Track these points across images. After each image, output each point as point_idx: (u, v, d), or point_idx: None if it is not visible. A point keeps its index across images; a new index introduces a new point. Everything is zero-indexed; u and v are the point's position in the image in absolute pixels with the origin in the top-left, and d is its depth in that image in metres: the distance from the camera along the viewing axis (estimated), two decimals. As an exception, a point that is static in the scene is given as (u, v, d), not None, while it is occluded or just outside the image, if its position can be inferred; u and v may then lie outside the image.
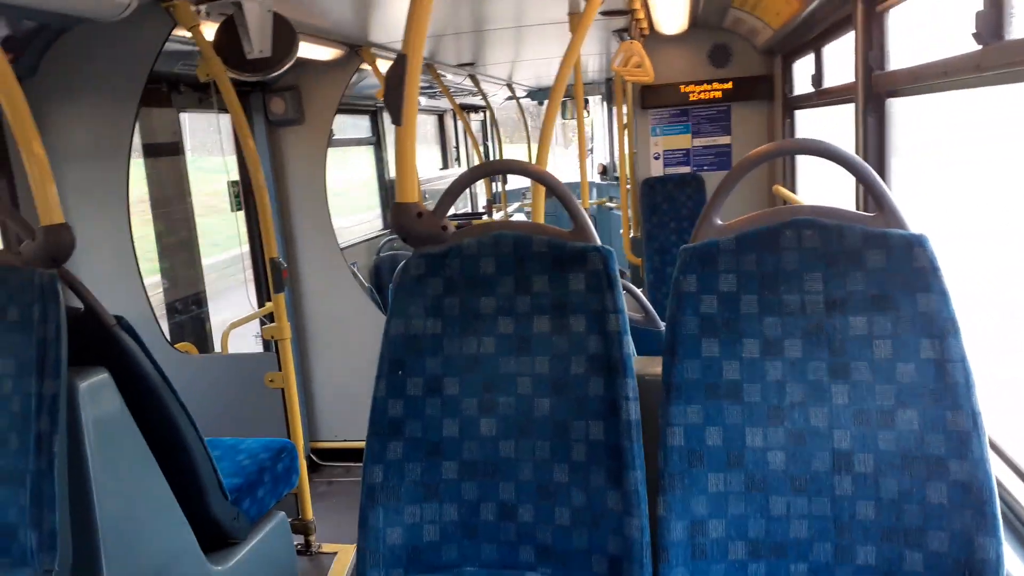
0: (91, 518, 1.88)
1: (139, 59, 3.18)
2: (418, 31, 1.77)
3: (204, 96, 4.16)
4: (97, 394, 1.94)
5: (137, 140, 3.85)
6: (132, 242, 3.29)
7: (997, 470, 1.73)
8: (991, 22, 1.80)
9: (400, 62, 1.78)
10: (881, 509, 1.53)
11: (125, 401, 2.01)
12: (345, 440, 4.42)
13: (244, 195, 4.29)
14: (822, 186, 4.67)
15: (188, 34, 2.86)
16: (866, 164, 1.64)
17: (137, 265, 3.32)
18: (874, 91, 2.68)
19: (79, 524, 1.86)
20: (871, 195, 1.63)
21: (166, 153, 4.04)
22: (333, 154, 7.76)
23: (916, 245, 1.56)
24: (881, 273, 1.56)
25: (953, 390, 1.49)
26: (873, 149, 2.65)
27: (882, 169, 2.63)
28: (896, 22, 2.75)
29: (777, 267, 1.62)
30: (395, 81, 1.78)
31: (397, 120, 1.77)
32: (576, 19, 2.75)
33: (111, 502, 1.92)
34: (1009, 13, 1.79)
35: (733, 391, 1.60)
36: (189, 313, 4.14)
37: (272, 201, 4.29)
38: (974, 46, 1.88)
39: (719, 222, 1.72)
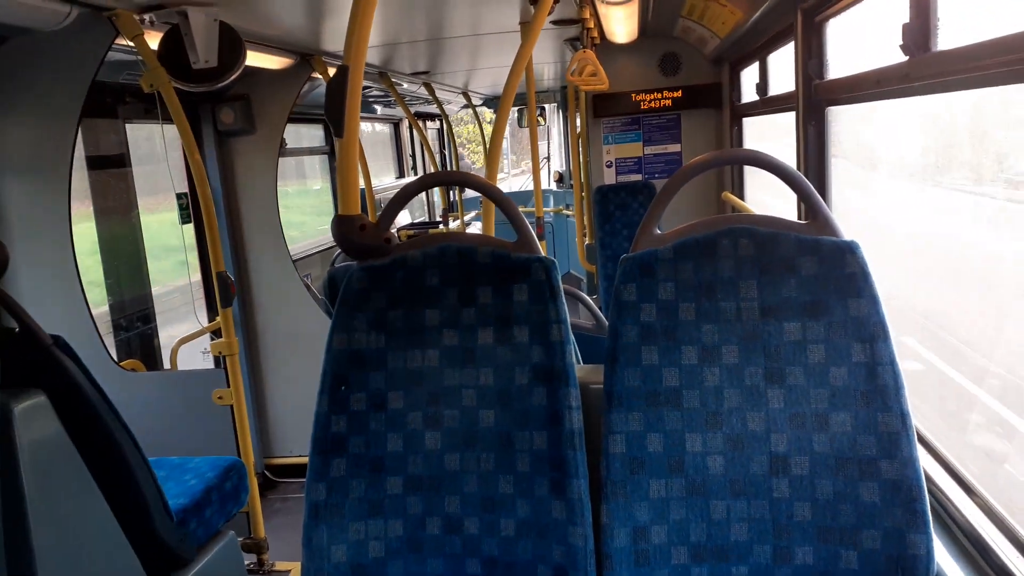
0: (27, 545, 1.82)
1: (80, 69, 3.11)
2: (360, 42, 1.76)
3: (151, 106, 4.09)
4: (33, 417, 1.89)
5: (81, 152, 3.78)
6: (74, 258, 3.21)
7: (929, 466, 1.78)
8: (917, 34, 1.86)
9: (341, 73, 1.77)
10: (817, 510, 1.56)
11: (63, 423, 1.96)
12: (300, 456, 4.37)
13: (193, 207, 4.23)
14: (774, 191, 4.76)
15: (132, 44, 2.82)
16: (799, 173, 1.68)
17: (80, 282, 3.24)
18: (814, 100, 2.75)
19: (14, 552, 1.81)
20: (804, 203, 1.67)
21: (111, 165, 3.96)
22: (287, 164, 7.70)
23: (847, 252, 1.60)
24: (814, 280, 1.60)
25: (883, 392, 1.53)
26: (813, 156, 2.71)
27: (822, 175, 2.69)
28: (836, 32, 2.82)
29: (714, 275, 1.65)
30: (336, 93, 1.77)
31: (339, 132, 1.76)
32: (527, 28, 2.77)
33: (48, 528, 1.87)
34: (935, 25, 1.85)
35: (673, 398, 1.63)
36: (135, 330, 4.05)
37: (222, 213, 4.23)
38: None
39: (658, 231, 1.74)
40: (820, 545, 1.56)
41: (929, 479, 1.72)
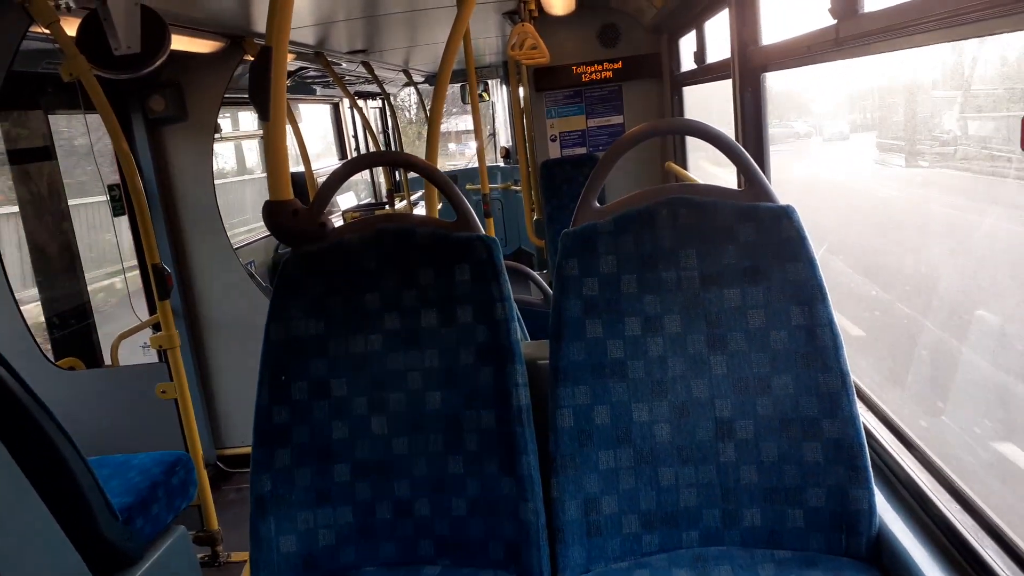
0: None
1: None
2: (282, 21, 1.72)
3: (74, 96, 3.92)
4: None
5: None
6: (0, 259, 3.08)
7: (869, 423, 1.83)
8: (844, -4, 1.87)
9: (264, 54, 1.71)
10: (763, 472, 1.59)
11: None
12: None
13: (126, 199, 4.08)
14: (717, 159, 4.81)
15: (48, 31, 2.68)
16: (734, 142, 1.68)
17: (6, 279, 3.11)
18: (749, 66, 2.76)
19: None
20: (740, 170, 1.68)
21: (35, 158, 3.79)
22: (226, 149, 7.48)
23: (784, 216, 1.61)
24: (752, 246, 1.61)
25: (823, 353, 1.56)
26: (750, 123, 2.73)
27: (759, 142, 2.72)
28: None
29: (654, 246, 1.65)
30: (260, 75, 1.72)
31: (264, 115, 1.71)
32: (463, 2, 2.72)
33: None
34: (861, -13, 1.86)
35: (618, 369, 1.63)
36: (71, 327, 3.92)
37: (157, 204, 4.10)
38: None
39: (597, 205, 1.74)
40: (767, 506, 1.59)
41: (870, 435, 1.76)
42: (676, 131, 1.69)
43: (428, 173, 1.88)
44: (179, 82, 4.23)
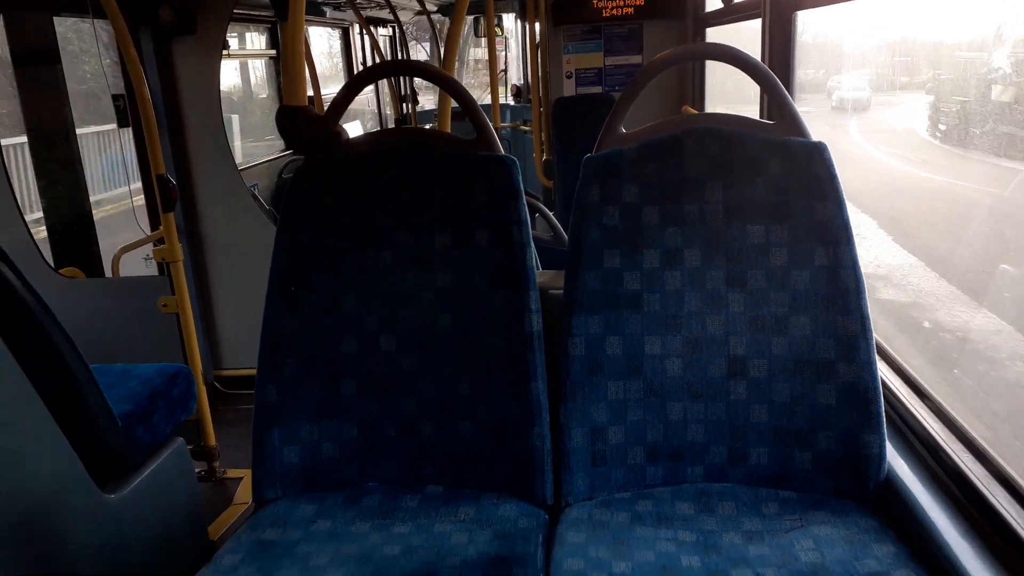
0: None
1: None
2: None
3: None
4: None
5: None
6: (2, 159, 3.02)
7: (883, 373, 1.81)
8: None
9: None
10: (773, 412, 1.57)
11: None
12: (251, 368, 4.28)
13: (131, 109, 3.99)
14: (735, 108, 4.70)
15: None
16: (769, 71, 1.62)
17: (9, 184, 3.06)
18: (782, 3, 2.66)
19: None
20: (772, 102, 1.62)
21: (38, 61, 3.69)
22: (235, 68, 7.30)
23: (815, 152, 1.57)
24: (779, 181, 1.57)
25: (844, 295, 1.53)
26: (779, 64, 2.65)
27: (788, 84, 2.64)
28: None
29: (679, 176, 1.61)
30: None
31: (283, 15, 1.64)
32: None
33: None
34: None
35: (633, 301, 1.60)
36: (72, 235, 3.87)
37: (163, 117, 4.01)
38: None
39: (623, 131, 1.69)
40: (775, 446, 1.58)
41: (884, 386, 1.74)
42: (709, 56, 1.66)
43: (448, 84, 1.82)
44: (189, -8, 4.09)
